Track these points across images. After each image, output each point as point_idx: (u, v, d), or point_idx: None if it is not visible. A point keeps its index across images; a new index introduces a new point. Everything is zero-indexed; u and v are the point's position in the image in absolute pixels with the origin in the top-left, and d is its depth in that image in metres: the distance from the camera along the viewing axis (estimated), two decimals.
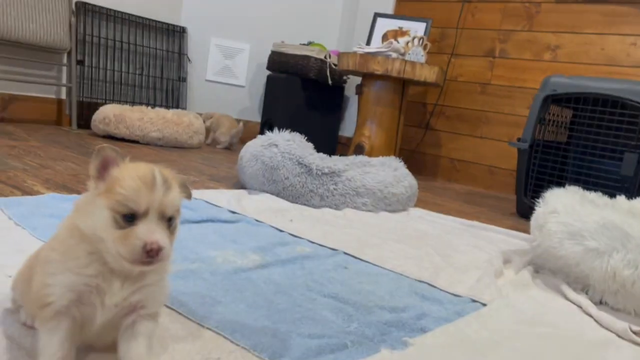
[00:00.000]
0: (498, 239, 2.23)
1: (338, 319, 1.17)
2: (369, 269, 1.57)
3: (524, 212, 2.76)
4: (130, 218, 0.72)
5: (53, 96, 3.75)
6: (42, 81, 3.65)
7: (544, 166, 2.82)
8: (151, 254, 0.71)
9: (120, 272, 0.76)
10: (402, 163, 2.64)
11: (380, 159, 2.64)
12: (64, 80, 3.76)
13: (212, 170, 2.96)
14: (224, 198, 2.18)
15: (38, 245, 1.22)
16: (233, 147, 4.02)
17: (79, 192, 1.92)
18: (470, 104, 4.07)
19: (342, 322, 1.16)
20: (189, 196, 0.80)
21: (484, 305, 1.38)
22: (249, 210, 2.07)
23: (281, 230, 1.85)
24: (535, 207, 1.80)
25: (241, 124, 4.06)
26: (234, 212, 1.99)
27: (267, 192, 2.37)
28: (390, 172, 2.46)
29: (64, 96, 3.78)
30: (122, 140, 3.47)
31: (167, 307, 1.09)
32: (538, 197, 1.87)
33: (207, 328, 1.03)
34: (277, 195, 2.34)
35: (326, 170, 2.29)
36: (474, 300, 1.41)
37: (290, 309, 1.18)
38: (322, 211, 2.24)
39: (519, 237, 2.28)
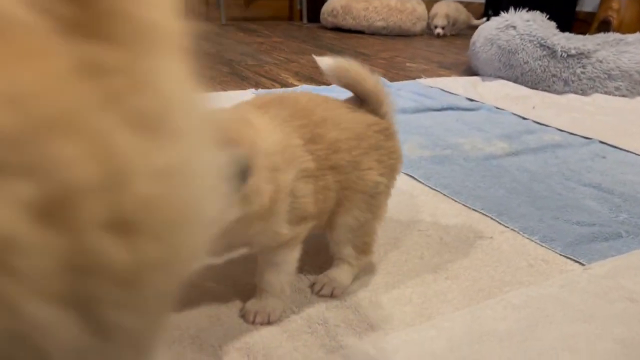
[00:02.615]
0: None
1: (604, 209, 1.13)
2: (631, 159, 1.45)
3: None
4: None
5: None
6: None
7: None
8: None
9: None
10: None
11: (638, 35, 2.29)
12: None
13: (439, 57, 2.92)
14: (458, 85, 2.16)
15: None
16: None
17: (325, 84, 2.09)
18: None
19: (609, 212, 1.12)
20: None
21: None
22: (487, 97, 2.03)
23: (524, 118, 1.79)
24: None
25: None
26: (471, 100, 1.98)
27: (503, 78, 2.27)
28: None
29: None
30: (349, 31, 3.59)
31: (432, 188, 1.18)
32: None
33: (474, 209, 1.09)
34: (515, 81, 2.23)
35: (573, 52, 2.09)
36: None
37: (551, 197, 1.18)
38: (566, 97, 2.08)
39: None
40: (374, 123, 0.79)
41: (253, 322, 0.72)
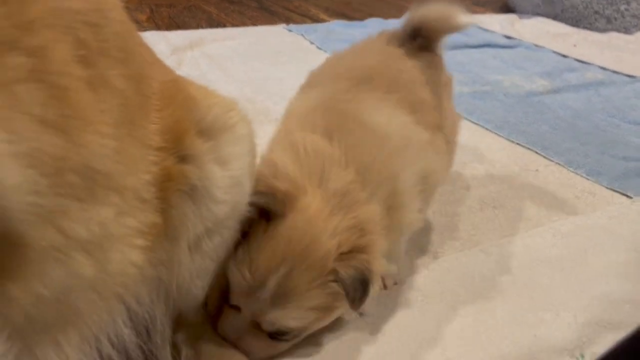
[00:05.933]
0: None
1: None
2: None
3: None
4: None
5: None
6: None
7: None
8: None
9: None
10: None
11: None
12: None
13: None
14: (495, 22, 2.09)
15: None
16: None
17: (358, 19, 2.04)
18: None
19: None
20: (353, 304, 0.53)
21: None
22: (525, 34, 1.96)
23: (565, 56, 1.73)
24: None
25: None
26: (509, 37, 1.92)
27: (541, 15, 2.19)
28: None
29: None
30: None
31: (475, 123, 1.16)
32: None
33: (518, 144, 1.08)
34: (554, 18, 2.14)
35: None
36: None
37: (595, 133, 1.16)
38: (608, 35, 2.00)
39: None
40: (430, 62, 0.73)
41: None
